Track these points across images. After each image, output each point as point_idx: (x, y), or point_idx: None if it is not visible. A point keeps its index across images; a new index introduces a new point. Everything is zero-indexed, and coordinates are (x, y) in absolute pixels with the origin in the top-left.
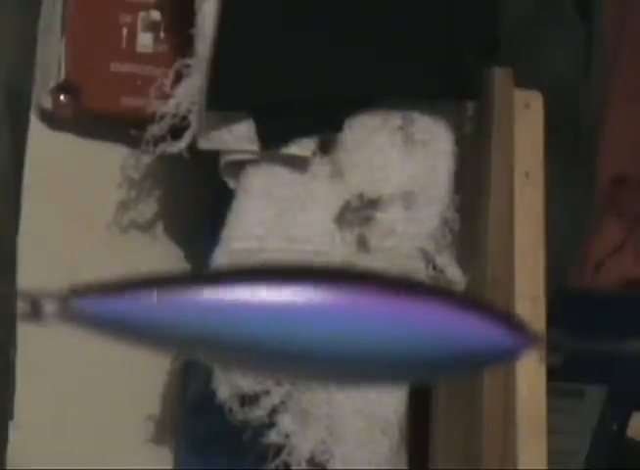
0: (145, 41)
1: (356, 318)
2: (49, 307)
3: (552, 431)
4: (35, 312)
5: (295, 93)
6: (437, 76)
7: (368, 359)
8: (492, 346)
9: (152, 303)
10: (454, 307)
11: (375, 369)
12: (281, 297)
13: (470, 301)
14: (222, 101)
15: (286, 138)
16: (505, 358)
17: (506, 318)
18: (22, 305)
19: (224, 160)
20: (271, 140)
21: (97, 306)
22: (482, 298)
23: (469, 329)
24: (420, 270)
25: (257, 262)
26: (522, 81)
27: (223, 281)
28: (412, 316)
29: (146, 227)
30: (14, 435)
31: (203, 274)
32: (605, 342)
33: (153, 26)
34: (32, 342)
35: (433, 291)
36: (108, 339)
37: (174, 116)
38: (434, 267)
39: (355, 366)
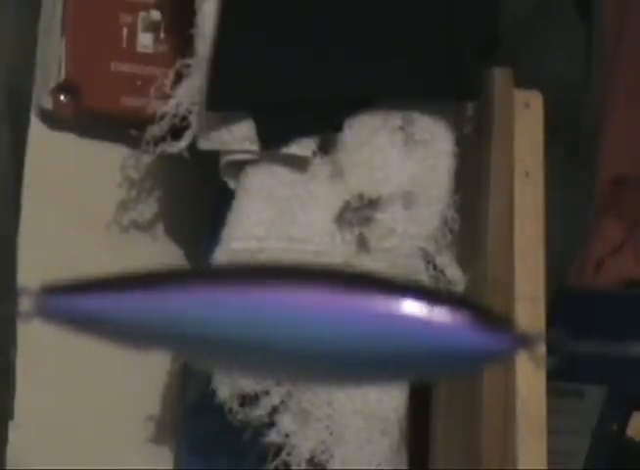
0: (145, 41)
1: (322, 317)
2: (24, 304)
3: (552, 431)
4: (10, 309)
5: (295, 93)
6: (437, 76)
7: (338, 358)
8: (479, 347)
9: (125, 300)
10: (435, 307)
11: (345, 369)
12: (242, 296)
13: (457, 300)
14: (222, 101)
15: (286, 138)
16: (490, 359)
17: (491, 319)
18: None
19: (224, 160)
20: (271, 140)
21: (70, 304)
22: (469, 297)
23: (452, 330)
24: (420, 270)
25: (239, 262)
26: (522, 81)
27: (198, 279)
28: (381, 315)
29: (146, 227)
30: (14, 435)
31: (176, 272)
32: (605, 342)
33: (153, 26)
34: (32, 342)
35: (418, 291)
36: (83, 336)
37: (174, 116)
38: (435, 267)
39: (324, 365)
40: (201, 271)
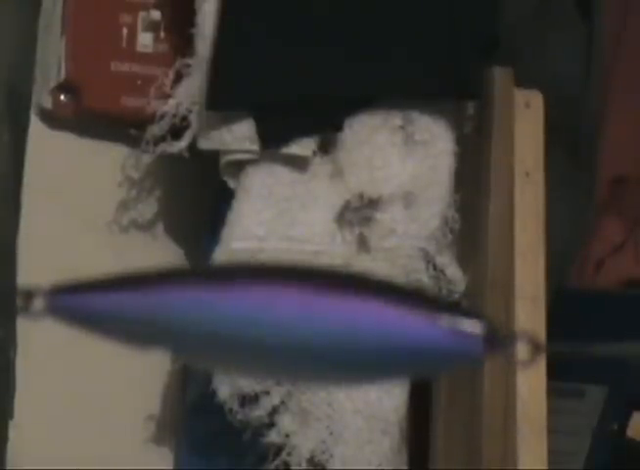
0: (145, 41)
1: (304, 317)
2: (34, 303)
3: (552, 431)
4: (21, 307)
5: (295, 93)
6: (437, 76)
7: (322, 358)
8: (449, 348)
9: (135, 299)
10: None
11: (318, 368)
12: (242, 296)
13: (430, 301)
14: (222, 101)
15: (286, 138)
16: (461, 360)
17: (463, 320)
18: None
19: (224, 159)
20: (271, 140)
21: (81, 303)
22: (443, 298)
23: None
24: (420, 270)
25: (239, 262)
26: (522, 81)
27: (198, 279)
28: (357, 315)
29: (146, 227)
30: (14, 434)
31: (185, 271)
32: (605, 342)
33: (153, 26)
34: (32, 342)
35: (395, 292)
36: (92, 335)
37: (174, 115)
38: (435, 267)
39: (302, 363)
40: (201, 271)
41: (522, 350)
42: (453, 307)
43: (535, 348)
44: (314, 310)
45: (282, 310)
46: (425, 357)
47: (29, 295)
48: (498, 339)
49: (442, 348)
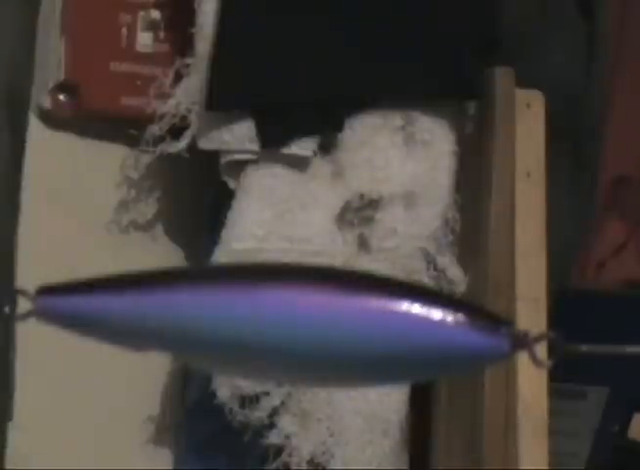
0: (145, 41)
1: (320, 317)
2: (21, 305)
3: (553, 432)
4: (7, 309)
5: (295, 93)
6: (438, 76)
7: (336, 360)
8: (477, 347)
9: (123, 301)
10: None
11: (343, 370)
12: (242, 297)
13: (455, 300)
14: (222, 101)
15: (286, 138)
16: (489, 359)
17: (490, 319)
18: None
19: (224, 160)
20: (271, 140)
21: (67, 304)
22: (467, 298)
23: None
24: (421, 271)
25: (239, 263)
26: (523, 81)
27: (197, 279)
28: (374, 315)
29: (146, 227)
30: (14, 435)
31: (175, 272)
32: (607, 342)
33: (152, 26)
34: (32, 342)
35: (416, 291)
36: (80, 337)
37: (174, 115)
38: (436, 268)
39: (322, 366)
40: (201, 271)
41: (542, 350)
42: (478, 308)
43: (562, 349)
44: (345, 313)
45: (298, 312)
46: (450, 358)
47: (15, 296)
48: (527, 340)
49: (469, 348)
